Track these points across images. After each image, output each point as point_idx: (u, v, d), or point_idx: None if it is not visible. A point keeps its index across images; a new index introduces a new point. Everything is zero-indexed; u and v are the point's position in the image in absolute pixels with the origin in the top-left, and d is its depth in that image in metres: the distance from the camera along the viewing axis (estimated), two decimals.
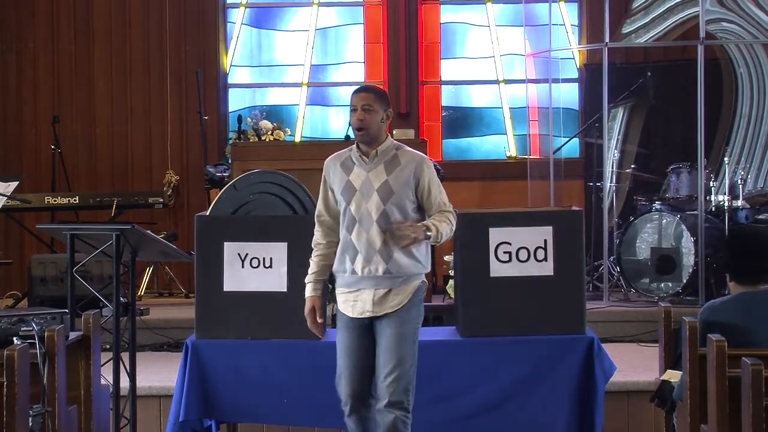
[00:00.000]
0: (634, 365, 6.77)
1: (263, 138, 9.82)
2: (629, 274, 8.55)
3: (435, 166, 5.08)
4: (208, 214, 5.55)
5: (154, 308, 7.47)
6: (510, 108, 10.39)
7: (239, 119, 9.67)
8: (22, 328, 4.82)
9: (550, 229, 5.31)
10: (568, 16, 10.38)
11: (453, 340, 5.41)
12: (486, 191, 10.07)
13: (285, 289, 5.27)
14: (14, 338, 4.70)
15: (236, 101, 10.51)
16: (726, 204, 8.33)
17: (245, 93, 10.56)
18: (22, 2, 10.17)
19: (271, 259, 5.32)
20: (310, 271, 4.85)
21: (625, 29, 10.06)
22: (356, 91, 4.83)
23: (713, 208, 8.42)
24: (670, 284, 8.39)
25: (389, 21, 10.32)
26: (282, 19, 10.61)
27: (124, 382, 5.48)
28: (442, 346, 5.36)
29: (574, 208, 5.78)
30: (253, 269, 5.33)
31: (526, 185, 9.61)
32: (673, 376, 4.94)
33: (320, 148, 7.52)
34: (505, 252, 5.31)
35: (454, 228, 4.78)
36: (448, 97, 10.55)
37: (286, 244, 5.29)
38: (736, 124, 9.84)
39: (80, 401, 5.02)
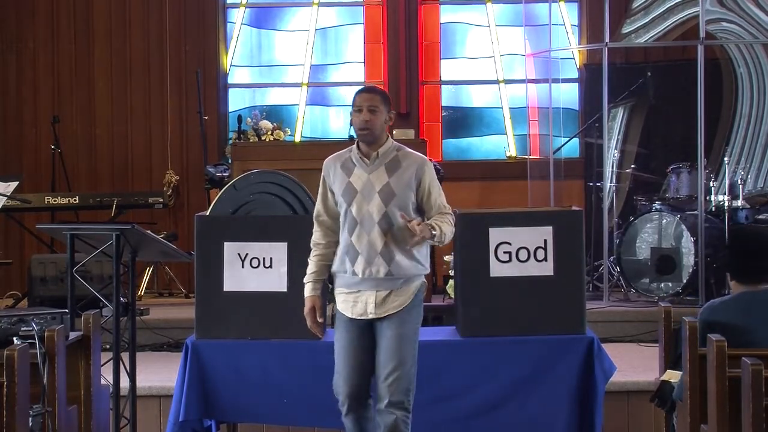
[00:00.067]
0: (634, 365, 6.77)
1: (263, 138, 9.83)
2: (629, 274, 8.55)
3: (435, 166, 5.09)
4: (208, 214, 5.55)
5: (154, 308, 7.47)
6: (510, 108, 10.39)
7: (239, 119, 9.67)
8: (22, 328, 4.82)
9: (550, 229, 5.31)
10: (568, 16, 10.39)
11: (453, 340, 5.40)
12: (486, 191, 10.07)
13: (285, 289, 5.27)
14: (14, 338, 4.70)
15: (236, 101, 10.52)
16: (726, 204, 8.33)
17: (245, 93, 10.56)
18: (22, 2, 10.17)
19: (271, 259, 5.32)
20: (309, 270, 4.85)
21: (625, 29, 10.06)
22: (361, 92, 4.83)
23: (713, 208, 8.42)
24: (670, 284, 8.39)
25: (389, 21, 10.32)
26: (282, 19, 10.61)
27: (124, 382, 5.48)
28: (442, 346, 5.35)
29: (574, 208, 5.78)
30: (253, 269, 5.32)
31: (526, 185, 9.61)
32: (673, 376, 4.94)
33: (320, 148, 7.52)
34: (505, 252, 5.31)
35: (453, 230, 4.80)
36: (448, 97, 10.55)
37: (286, 244, 5.29)
38: (736, 124, 9.84)
39: (80, 401, 5.02)
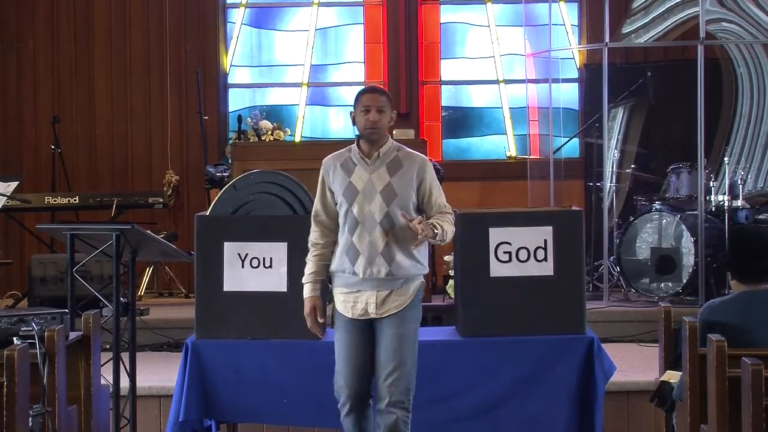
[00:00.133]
0: (634, 365, 6.77)
1: (263, 138, 9.82)
2: (629, 274, 8.55)
3: (435, 166, 5.09)
4: (208, 214, 5.55)
5: (154, 308, 7.47)
6: (510, 108, 10.39)
7: (239, 119, 9.67)
8: (22, 328, 4.82)
9: (550, 229, 5.31)
10: (568, 16, 10.39)
11: (453, 340, 5.40)
12: (486, 191, 10.07)
13: (285, 289, 5.27)
14: (14, 338, 4.70)
15: (236, 101, 10.52)
16: (726, 204, 8.33)
17: (245, 93, 10.56)
18: (22, 2, 10.17)
19: (271, 259, 5.31)
20: (307, 271, 4.84)
21: (625, 29, 10.06)
22: (366, 92, 4.83)
23: (713, 208, 8.42)
24: (670, 284, 8.39)
25: (389, 21, 10.32)
26: (282, 19, 10.61)
27: (124, 382, 5.48)
28: (442, 346, 5.35)
29: (574, 208, 5.78)
30: (253, 269, 5.32)
31: (526, 185, 9.61)
32: (673, 377, 4.94)
33: (320, 148, 7.51)
34: (505, 252, 5.31)
35: (454, 230, 4.82)
36: (448, 97, 10.55)
37: (286, 244, 5.28)
38: (736, 124, 9.84)
39: (80, 401, 5.02)
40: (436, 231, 4.65)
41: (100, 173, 10.16)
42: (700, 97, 8.16)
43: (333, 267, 4.80)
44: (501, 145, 10.45)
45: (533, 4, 10.13)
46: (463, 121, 10.54)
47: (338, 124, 10.45)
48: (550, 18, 9.45)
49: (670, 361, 5.12)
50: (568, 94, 10.28)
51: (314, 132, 10.49)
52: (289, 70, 10.54)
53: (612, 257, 8.71)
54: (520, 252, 5.31)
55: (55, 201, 9.07)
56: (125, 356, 5.51)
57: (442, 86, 10.50)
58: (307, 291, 4.82)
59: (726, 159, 9.22)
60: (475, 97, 10.56)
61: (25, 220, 9.40)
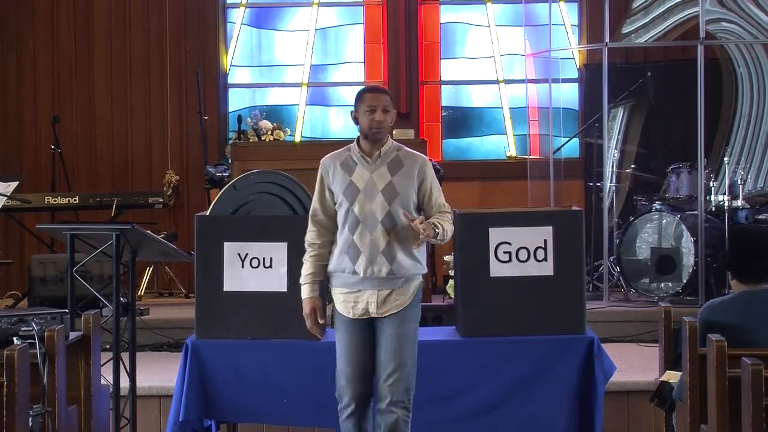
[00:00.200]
0: (634, 365, 6.77)
1: (263, 138, 9.83)
2: (629, 274, 8.55)
3: (435, 166, 5.10)
4: (208, 214, 5.55)
5: (154, 308, 7.46)
6: (510, 108, 10.39)
7: (239, 119, 9.68)
8: (22, 328, 4.82)
9: (550, 229, 5.31)
10: (568, 16, 10.39)
11: (453, 340, 5.40)
12: (486, 191, 10.07)
13: (285, 289, 5.27)
14: (14, 338, 4.70)
15: (236, 101, 10.52)
16: (726, 204, 8.33)
17: (245, 93, 10.56)
18: (22, 2, 10.17)
19: (271, 259, 5.31)
20: (305, 271, 4.83)
21: (625, 29, 10.06)
22: (370, 91, 4.83)
23: (713, 208, 8.42)
24: (670, 284, 8.39)
25: (389, 21, 10.32)
26: (282, 19, 10.61)
27: (124, 382, 5.48)
28: (442, 346, 5.35)
29: (574, 208, 5.78)
30: (253, 269, 5.32)
31: (526, 185, 9.61)
32: (672, 377, 4.94)
33: (320, 148, 7.48)
34: (505, 252, 5.31)
35: (453, 229, 4.83)
36: (448, 97, 10.55)
37: (286, 244, 5.28)
38: (736, 124, 9.84)
39: (80, 401, 5.02)
40: (437, 230, 4.67)
41: (100, 173, 10.16)
42: (700, 97, 8.16)
43: (332, 267, 4.80)
44: (501, 145, 10.45)
45: (533, 4, 10.13)
46: (463, 121, 10.54)
47: (338, 124, 10.45)
48: (550, 18, 9.45)
49: (670, 361, 5.12)
50: (568, 94, 10.28)
51: (314, 132, 10.49)
52: (289, 70, 10.54)
53: (612, 257, 8.71)
54: (520, 252, 5.31)
55: (55, 201, 9.07)
56: (125, 356, 5.50)
57: (442, 86, 10.50)
58: (306, 292, 4.81)
59: (726, 159, 9.22)
60: (475, 97, 10.56)
61: (25, 220, 9.40)
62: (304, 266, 4.84)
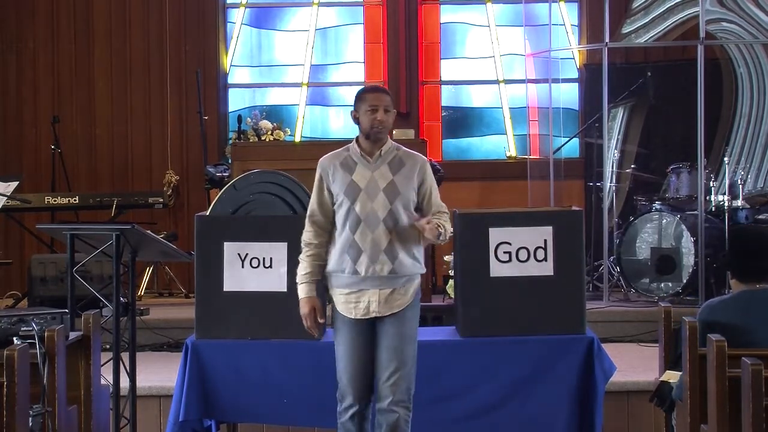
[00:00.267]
0: (634, 365, 6.77)
1: (263, 138, 9.82)
2: (629, 274, 8.55)
3: (435, 166, 5.10)
4: (208, 214, 5.55)
5: (154, 308, 7.47)
6: (510, 108, 10.39)
7: (239, 119, 9.68)
8: (22, 328, 4.82)
9: (550, 229, 5.31)
10: (568, 16, 10.39)
11: (453, 340, 5.40)
12: (486, 191, 10.07)
13: (285, 289, 5.26)
14: (14, 338, 4.70)
15: (236, 101, 10.52)
16: (726, 204, 8.33)
17: (245, 93, 10.56)
18: (22, 2, 10.17)
19: (271, 259, 5.31)
20: (303, 270, 4.82)
21: (625, 29, 10.06)
22: (372, 91, 4.83)
23: (713, 208, 8.42)
24: (670, 284, 8.39)
25: (389, 21, 10.32)
26: (282, 19, 10.61)
27: (124, 382, 5.48)
28: (442, 346, 5.35)
29: (574, 208, 5.78)
30: (253, 269, 5.32)
31: (526, 185, 9.61)
32: (672, 377, 4.94)
33: (320, 148, 7.45)
34: (505, 252, 5.31)
35: (451, 230, 4.85)
36: (448, 97, 10.55)
37: (286, 244, 5.28)
38: (736, 124, 9.84)
39: (80, 401, 5.02)
40: (440, 231, 4.68)
41: (100, 173, 10.16)
42: (700, 97, 8.15)
43: (331, 267, 4.79)
44: (501, 145, 10.45)
45: (533, 4, 10.13)
46: (463, 121, 10.54)
47: (338, 124, 10.45)
48: (550, 18, 9.45)
49: (670, 361, 5.12)
50: (568, 94, 10.28)
51: (314, 132, 10.49)
52: (289, 70, 10.54)
53: (612, 257, 8.71)
54: (520, 252, 5.31)
55: (55, 201, 9.07)
56: (125, 356, 5.50)
57: (442, 86, 10.50)
58: (304, 291, 4.79)
59: (726, 159, 9.22)
60: (475, 97, 10.56)
61: (25, 220, 9.40)
62: (300, 265, 4.83)
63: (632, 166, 9.39)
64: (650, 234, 8.50)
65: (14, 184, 8.52)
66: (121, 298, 5.41)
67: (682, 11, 9.88)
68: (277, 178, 5.61)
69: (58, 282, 8.01)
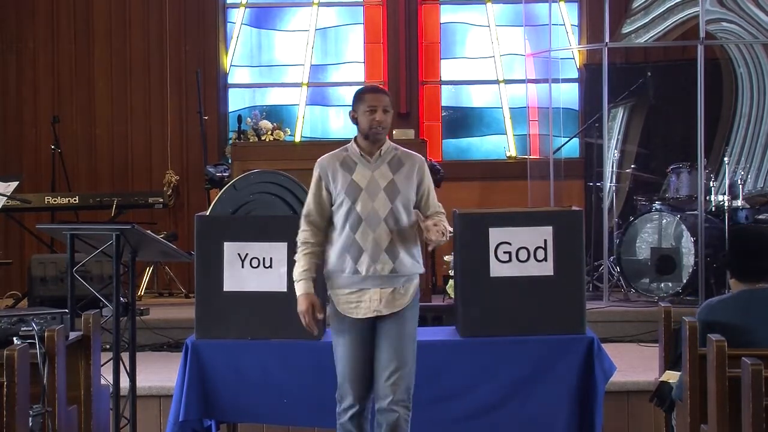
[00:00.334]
0: (634, 365, 6.77)
1: (263, 138, 9.82)
2: (629, 274, 8.55)
3: (435, 166, 5.10)
4: (208, 214, 5.55)
5: (154, 308, 7.47)
6: (510, 108, 10.39)
7: (239, 119, 9.68)
8: (22, 328, 4.82)
9: (550, 229, 5.31)
10: (568, 16, 10.39)
11: (453, 340, 5.40)
12: (486, 191, 10.07)
13: (285, 289, 5.26)
14: (14, 338, 4.70)
15: (236, 101, 10.52)
16: (726, 204, 8.33)
17: (245, 93, 10.56)
18: (22, 2, 10.17)
19: (271, 259, 5.31)
20: (300, 268, 4.79)
21: (625, 29, 10.06)
22: (370, 91, 4.83)
23: (713, 208, 8.42)
24: (670, 284, 8.39)
25: (389, 21, 10.32)
26: (282, 19, 10.61)
27: (124, 382, 5.48)
28: (442, 346, 5.35)
29: (574, 208, 5.78)
30: (253, 269, 5.32)
31: (526, 185, 9.61)
32: (672, 377, 4.94)
33: (320, 148, 7.43)
34: (505, 252, 5.31)
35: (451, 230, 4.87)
36: (448, 97, 10.55)
37: (286, 244, 5.28)
38: (736, 124, 9.85)
39: (80, 401, 5.02)
40: (443, 231, 4.69)
41: (100, 173, 10.16)
42: (700, 97, 8.15)
43: (331, 267, 4.78)
44: (501, 145, 10.45)
45: (533, 4, 10.13)
46: (463, 121, 10.54)
47: (338, 124, 10.45)
48: (550, 18, 9.45)
49: (670, 361, 5.12)
50: (568, 94, 10.28)
51: (314, 132, 10.49)
52: (289, 70, 10.54)
53: (612, 257, 8.71)
54: (520, 252, 5.31)
55: (55, 201, 9.07)
56: (125, 356, 5.51)
57: (442, 86, 10.50)
58: (302, 288, 4.77)
59: (726, 159, 9.22)
60: (475, 97, 10.56)
61: (25, 220, 9.40)
62: (297, 263, 4.81)
63: (632, 166, 9.39)
64: (650, 234, 8.50)
65: (14, 184, 8.52)
66: (121, 298, 5.41)
67: (682, 11, 9.88)
68: (277, 178, 5.61)
69: (58, 282, 8.01)
